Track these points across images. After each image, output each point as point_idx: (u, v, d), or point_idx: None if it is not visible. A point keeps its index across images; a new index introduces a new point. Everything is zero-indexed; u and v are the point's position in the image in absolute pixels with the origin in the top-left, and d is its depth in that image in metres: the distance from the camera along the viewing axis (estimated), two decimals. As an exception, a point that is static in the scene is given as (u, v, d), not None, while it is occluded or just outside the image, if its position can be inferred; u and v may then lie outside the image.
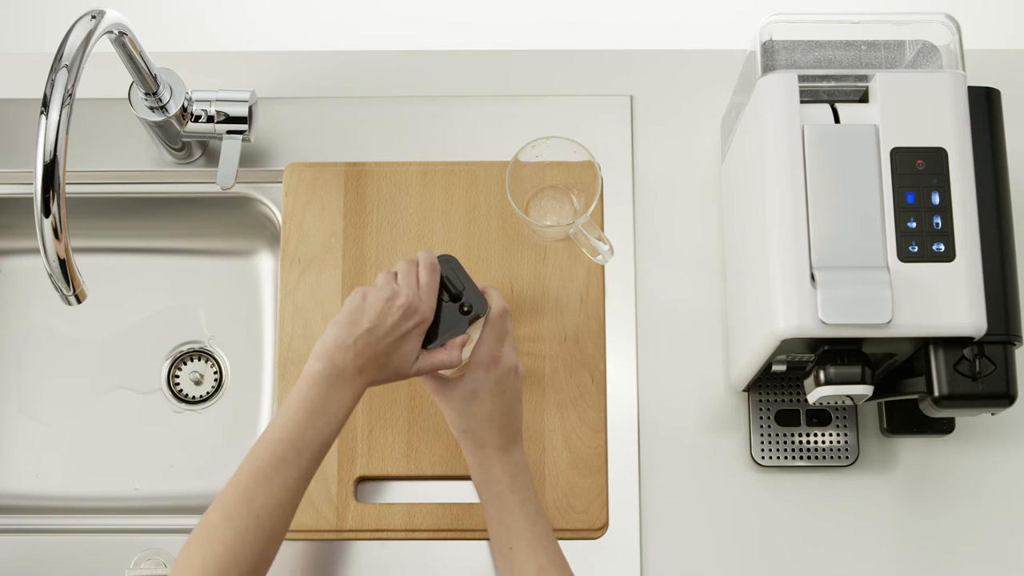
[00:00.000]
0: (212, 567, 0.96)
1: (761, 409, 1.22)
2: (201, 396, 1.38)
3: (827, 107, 1.07)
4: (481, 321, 1.10)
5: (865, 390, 1.05)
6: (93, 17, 1.02)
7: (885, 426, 1.20)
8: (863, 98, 1.09)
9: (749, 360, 1.13)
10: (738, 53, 1.25)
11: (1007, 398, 1.04)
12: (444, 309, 1.10)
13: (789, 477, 1.22)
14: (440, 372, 1.11)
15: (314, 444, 1.02)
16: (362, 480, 1.22)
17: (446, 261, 1.11)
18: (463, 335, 1.10)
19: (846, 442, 1.21)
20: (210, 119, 1.24)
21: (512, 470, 1.10)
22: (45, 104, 0.98)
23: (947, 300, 1.01)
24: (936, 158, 1.04)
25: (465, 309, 1.10)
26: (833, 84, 1.09)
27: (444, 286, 1.10)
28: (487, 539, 1.20)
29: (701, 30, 2.23)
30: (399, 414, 1.22)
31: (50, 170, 0.98)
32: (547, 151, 1.22)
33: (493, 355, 1.09)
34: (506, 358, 1.10)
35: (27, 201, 1.33)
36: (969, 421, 1.23)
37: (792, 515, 1.21)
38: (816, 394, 1.07)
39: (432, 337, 1.09)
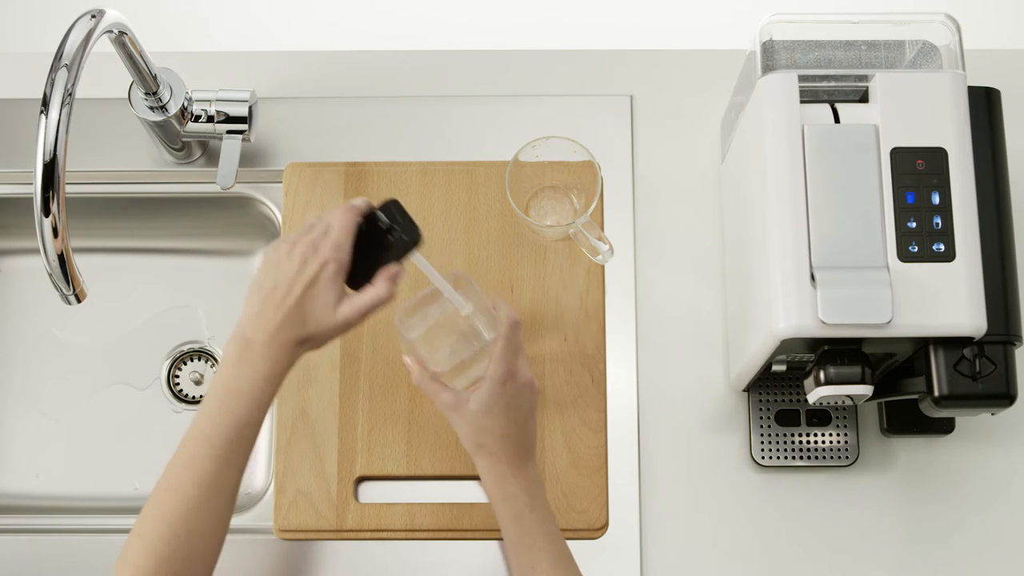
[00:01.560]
0: (146, 565, 0.92)
1: (761, 409, 1.22)
2: (201, 396, 1.38)
3: (827, 107, 1.07)
4: (494, 339, 1.07)
5: (865, 390, 1.05)
6: (93, 17, 1.02)
7: (885, 426, 1.20)
8: (863, 98, 1.09)
9: (749, 360, 1.13)
10: (738, 53, 1.25)
11: (1007, 398, 1.04)
12: (368, 245, 1.00)
13: (789, 477, 1.22)
14: (444, 384, 1.08)
15: (229, 430, 0.96)
16: (362, 480, 1.22)
17: (386, 204, 1.01)
18: (397, 266, 1.01)
19: (846, 442, 1.21)
20: (210, 119, 1.24)
21: (529, 487, 1.08)
22: (45, 104, 0.98)
23: (947, 300, 1.01)
24: (936, 158, 1.04)
25: (391, 239, 0.99)
26: (833, 84, 1.09)
27: (373, 224, 1.01)
28: (487, 539, 1.20)
29: (701, 30, 2.23)
30: (399, 414, 1.22)
31: (50, 170, 0.98)
32: (547, 151, 1.22)
33: (509, 369, 1.05)
34: (521, 372, 1.07)
35: (27, 201, 1.33)
36: (969, 421, 1.23)
37: (792, 515, 1.21)
38: (816, 394, 1.07)
39: (357, 277, 1.00)
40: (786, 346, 1.05)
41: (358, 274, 1.01)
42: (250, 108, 1.24)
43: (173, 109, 1.21)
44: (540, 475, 1.11)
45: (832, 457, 1.21)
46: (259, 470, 1.33)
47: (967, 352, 1.03)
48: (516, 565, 1.08)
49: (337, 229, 0.99)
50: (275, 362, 0.98)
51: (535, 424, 1.10)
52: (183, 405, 1.37)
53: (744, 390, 1.23)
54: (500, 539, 1.20)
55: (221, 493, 0.96)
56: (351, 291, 1.01)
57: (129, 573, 0.94)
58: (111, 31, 1.06)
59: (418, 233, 1.00)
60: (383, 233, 1.01)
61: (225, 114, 1.23)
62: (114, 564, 0.95)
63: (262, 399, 0.98)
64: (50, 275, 1.00)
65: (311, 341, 1.00)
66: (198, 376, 1.39)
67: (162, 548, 0.94)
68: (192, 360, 1.39)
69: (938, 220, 1.03)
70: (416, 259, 1.03)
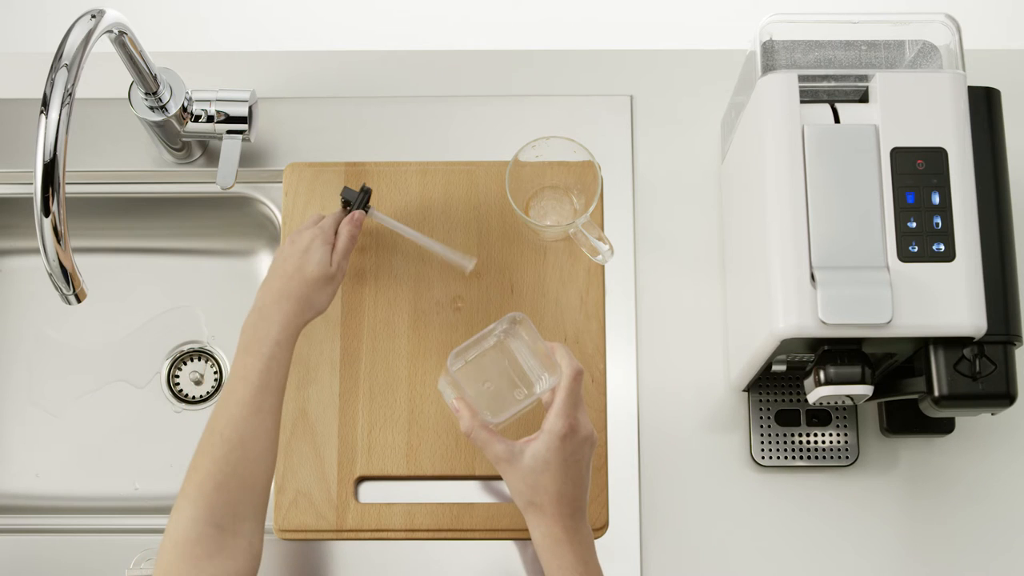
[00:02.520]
0: (205, 483, 1.00)
1: (761, 409, 1.22)
2: (201, 396, 1.38)
3: (827, 107, 1.07)
4: (552, 389, 1.04)
5: (865, 390, 1.05)
6: (93, 17, 1.02)
7: (885, 426, 1.20)
8: (863, 98, 1.09)
9: (749, 360, 1.13)
10: (738, 53, 1.25)
11: (1007, 398, 1.04)
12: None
13: (789, 477, 1.22)
14: (496, 433, 1.04)
15: (258, 362, 1.05)
16: (362, 480, 1.22)
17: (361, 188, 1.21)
18: (358, 212, 1.19)
19: (846, 442, 1.21)
20: (210, 119, 1.24)
21: (584, 554, 1.02)
22: (45, 104, 0.98)
23: (947, 300, 1.01)
24: (936, 158, 1.04)
25: (345, 201, 1.21)
26: (833, 84, 1.09)
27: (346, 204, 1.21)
28: (487, 539, 1.20)
29: (701, 30, 2.23)
30: (399, 414, 1.22)
31: (50, 169, 0.97)
32: (547, 151, 1.22)
33: (570, 424, 1.01)
34: (583, 426, 1.02)
35: (27, 201, 1.33)
36: (969, 421, 1.23)
37: (792, 515, 1.21)
38: (816, 394, 1.07)
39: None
40: (786, 346, 1.05)
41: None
42: (250, 108, 1.24)
43: (173, 109, 1.21)
44: (589, 529, 1.06)
45: (832, 457, 1.21)
46: (259, 470, 1.33)
47: (967, 352, 1.03)
48: None
49: (327, 219, 1.18)
50: (288, 317, 1.09)
51: (589, 480, 1.04)
52: (183, 405, 1.37)
53: (744, 390, 1.23)
54: (500, 539, 1.20)
55: (262, 411, 1.04)
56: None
57: (193, 477, 1.01)
58: (111, 31, 1.06)
59: (363, 196, 1.20)
60: (346, 204, 1.22)
61: (225, 114, 1.23)
62: (181, 483, 1.02)
63: (282, 340, 1.07)
64: (50, 275, 1.00)
65: (314, 297, 1.11)
66: (198, 376, 1.38)
67: (219, 450, 1.02)
68: (192, 360, 1.39)
69: (938, 220, 1.03)
70: (375, 214, 1.23)
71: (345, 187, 1.21)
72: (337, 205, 1.26)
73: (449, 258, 1.24)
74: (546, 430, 1.01)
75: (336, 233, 1.16)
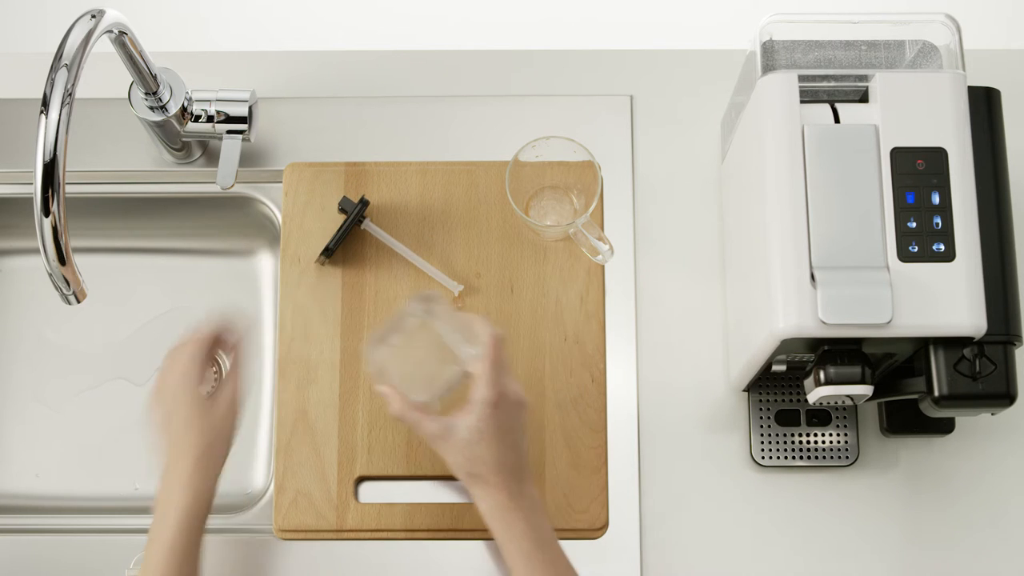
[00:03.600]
0: None
1: (761, 409, 1.22)
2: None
3: (827, 107, 1.07)
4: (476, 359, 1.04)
5: (865, 390, 1.05)
6: (93, 17, 1.02)
7: (885, 426, 1.20)
8: (863, 98, 1.09)
9: (749, 360, 1.13)
10: (738, 53, 1.25)
11: (1007, 398, 1.04)
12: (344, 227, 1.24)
13: (789, 477, 1.22)
14: (426, 413, 1.06)
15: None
16: (362, 480, 1.22)
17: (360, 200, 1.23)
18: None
19: (846, 442, 1.21)
20: (210, 119, 1.24)
21: (532, 518, 1.03)
22: (45, 104, 0.98)
23: (947, 300, 1.01)
24: (936, 158, 1.04)
25: (342, 209, 1.25)
26: (833, 84, 1.09)
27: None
28: (487, 539, 1.20)
29: (701, 30, 2.23)
30: (399, 414, 1.22)
31: (50, 169, 0.97)
32: (547, 151, 1.22)
33: (498, 391, 1.02)
34: (511, 392, 1.03)
35: (27, 201, 1.33)
36: (969, 421, 1.23)
37: (792, 515, 1.21)
38: (816, 394, 1.07)
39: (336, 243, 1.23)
40: (786, 346, 1.05)
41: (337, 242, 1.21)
42: (250, 108, 1.24)
43: (173, 109, 1.21)
44: (538, 492, 1.07)
45: (832, 457, 1.21)
46: (259, 470, 1.33)
47: (967, 352, 1.03)
48: None
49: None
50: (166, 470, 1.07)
51: (527, 444, 1.05)
52: (183, 405, 1.37)
53: (744, 390, 1.23)
54: (500, 539, 1.20)
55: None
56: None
57: None
58: (111, 31, 1.06)
59: (365, 203, 1.22)
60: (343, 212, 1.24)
61: (225, 114, 1.23)
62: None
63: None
64: (50, 275, 1.00)
65: (181, 415, 1.07)
66: (198, 376, 1.38)
67: None
68: (192, 360, 1.39)
69: (938, 220, 1.03)
70: (369, 226, 1.23)
71: (344, 197, 1.23)
72: (336, 205, 1.27)
73: (437, 279, 1.24)
74: (476, 400, 1.02)
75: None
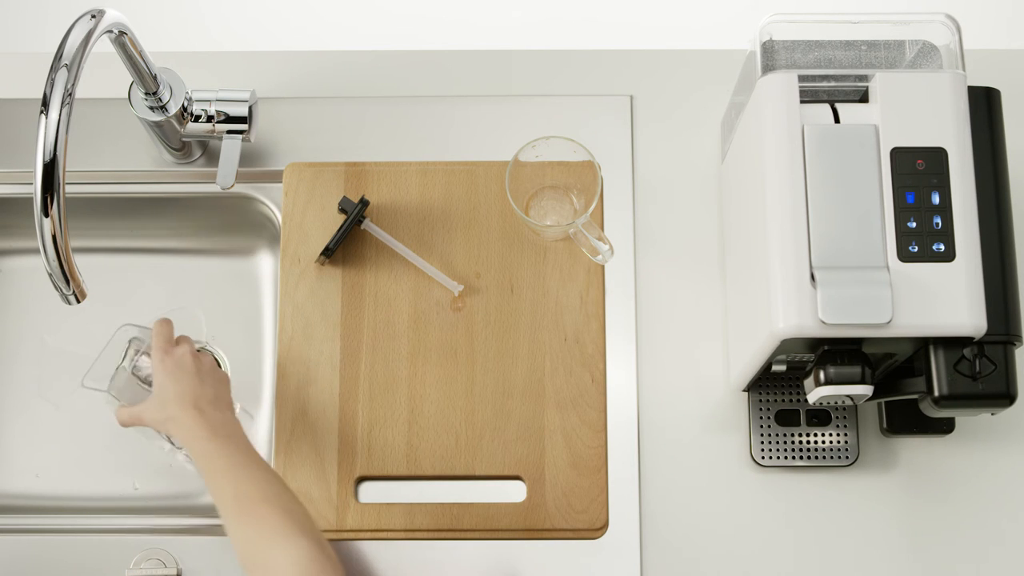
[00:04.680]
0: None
1: (761, 409, 1.22)
2: (201, 396, 1.38)
3: (827, 107, 1.07)
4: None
5: (865, 390, 1.05)
6: (93, 17, 1.02)
7: (885, 426, 1.20)
8: (863, 98, 1.09)
9: (749, 360, 1.13)
10: (738, 53, 1.25)
11: (1007, 398, 1.04)
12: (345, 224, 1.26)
13: (789, 477, 1.22)
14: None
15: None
16: (362, 480, 1.22)
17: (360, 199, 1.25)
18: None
19: (846, 442, 1.21)
20: (210, 119, 1.24)
21: (231, 444, 1.09)
22: (45, 104, 0.98)
23: (947, 300, 1.01)
24: (936, 158, 1.04)
25: (342, 209, 1.26)
26: (833, 84, 1.09)
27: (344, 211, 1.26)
28: (487, 539, 1.20)
29: (701, 30, 2.23)
30: (399, 414, 1.22)
31: (50, 169, 0.97)
32: (547, 151, 1.22)
33: (162, 348, 1.15)
34: (180, 346, 1.15)
35: (27, 201, 1.33)
36: (969, 421, 1.23)
37: (792, 515, 1.21)
38: (816, 394, 1.07)
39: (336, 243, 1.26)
40: (786, 346, 1.05)
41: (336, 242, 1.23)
42: (250, 108, 1.24)
43: (173, 109, 1.21)
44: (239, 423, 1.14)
45: (832, 457, 1.21)
46: (259, 470, 1.32)
47: (967, 352, 1.03)
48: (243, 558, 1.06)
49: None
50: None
51: (212, 380, 1.14)
52: (183, 405, 1.37)
53: (744, 390, 1.23)
54: (500, 539, 1.20)
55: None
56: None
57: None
58: (111, 31, 1.06)
59: (365, 203, 1.24)
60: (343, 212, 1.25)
61: (225, 114, 1.23)
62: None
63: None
64: (50, 275, 1.00)
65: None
66: (198, 376, 1.38)
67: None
68: (192, 360, 1.39)
69: (938, 220, 1.03)
70: (369, 226, 1.25)
71: (344, 197, 1.24)
72: (336, 205, 1.27)
73: (437, 279, 1.24)
74: (151, 367, 1.16)
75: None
